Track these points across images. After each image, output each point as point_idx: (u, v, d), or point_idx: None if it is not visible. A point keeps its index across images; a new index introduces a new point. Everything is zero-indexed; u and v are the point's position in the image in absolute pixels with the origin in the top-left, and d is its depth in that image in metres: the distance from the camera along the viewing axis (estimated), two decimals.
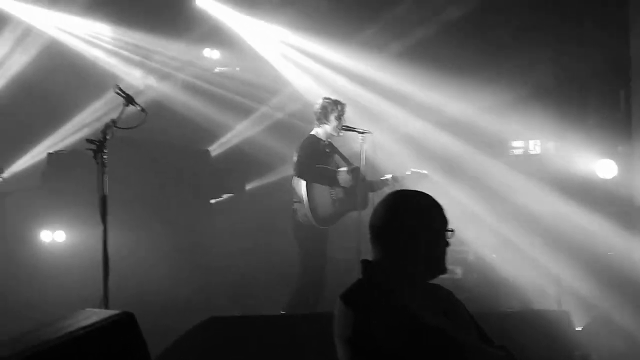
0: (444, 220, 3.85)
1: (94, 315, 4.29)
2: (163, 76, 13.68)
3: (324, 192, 8.91)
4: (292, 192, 8.98)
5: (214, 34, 13.80)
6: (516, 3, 12.66)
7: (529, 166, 11.57)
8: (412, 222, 3.75)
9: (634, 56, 11.04)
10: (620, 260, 10.44)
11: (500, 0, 12.57)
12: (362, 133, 8.70)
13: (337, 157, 9.37)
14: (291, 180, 9.05)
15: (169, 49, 13.41)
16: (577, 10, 11.86)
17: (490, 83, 12.18)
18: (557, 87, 12.08)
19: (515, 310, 9.61)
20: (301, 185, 8.83)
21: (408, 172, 9.47)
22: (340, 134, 9.10)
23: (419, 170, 9.54)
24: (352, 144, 9.70)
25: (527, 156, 12.02)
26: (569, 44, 11.79)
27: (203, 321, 6.80)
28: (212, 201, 11.90)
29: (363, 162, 8.69)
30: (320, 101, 9.17)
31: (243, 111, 13.82)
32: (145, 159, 10.91)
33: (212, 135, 13.59)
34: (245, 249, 11.64)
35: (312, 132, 9.15)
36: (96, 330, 4.06)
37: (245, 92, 13.86)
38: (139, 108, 7.03)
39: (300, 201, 8.82)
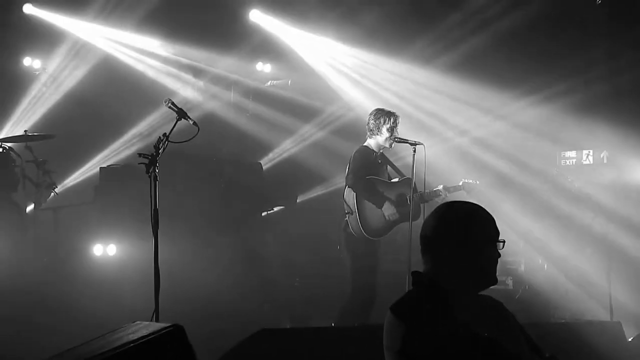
0: (494, 231, 3.82)
1: (144, 328, 4.32)
2: (215, 90, 13.73)
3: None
4: (344, 203, 8.98)
5: (267, 48, 13.88)
6: (569, 10, 12.56)
7: (581, 176, 11.45)
8: (463, 233, 3.73)
9: None
10: None
11: (552, 9, 12.46)
12: (414, 145, 8.69)
13: (389, 168, 9.37)
14: (343, 192, 9.05)
15: (222, 62, 13.49)
16: (631, 16, 11.74)
17: (543, 92, 12.10)
18: (611, 96, 11.96)
19: (567, 321, 9.53)
20: (352, 197, 8.83)
21: (460, 183, 9.44)
22: (392, 145, 9.09)
23: (470, 181, 9.50)
24: (404, 155, 9.72)
25: (579, 166, 11.91)
26: (626, 49, 11.66)
27: (254, 333, 6.80)
28: (264, 214, 11.93)
29: (414, 173, 8.69)
30: (373, 112, 9.16)
31: (294, 124, 13.84)
32: (197, 172, 10.96)
33: (264, 148, 13.63)
34: (296, 262, 11.63)
35: (365, 144, 9.14)
36: (146, 343, 4.09)
37: (297, 105, 13.89)
38: (191, 122, 7.08)
39: (352, 212, 8.82)
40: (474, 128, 12.92)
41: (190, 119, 7.08)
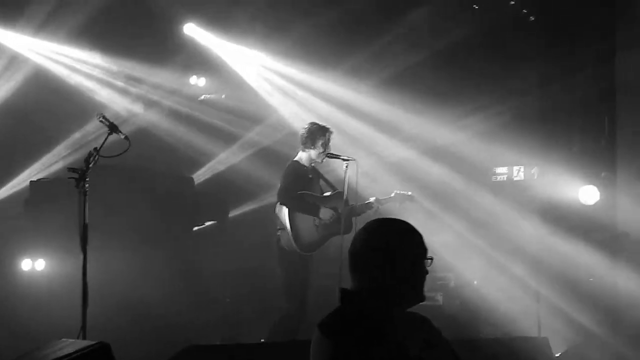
0: (422, 248, 3.82)
1: (69, 345, 4.29)
2: (149, 103, 13.65)
3: (307, 218, 8.93)
4: (276, 218, 8.99)
5: (201, 62, 13.84)
6: (503, 31, 12.73)
7: (513, 192, 11.60)
8: (391, 250, 3.71)
9: (619, 83, 11.09)
10: (601, 287, 10.48)
11: (487, 29, 12.62)
12: (346, 160, 8.74)
13: (322, 182, 9.40)
14: (275, 207, 9.05)
15: (155, 76, 13.40)
16: (563, 37, 11.92)
17: (475, 110, 12.24)
18: (542, 113, 12.12)
19: (495, 337, 9.62)
20: (284, 212, 8.85)
21: (392, 194, 9.49)
22: (324, 160, 9.13)
23: (403, 192, 9.56)
24: (336, 169, 9.76)
25: (510, 182, 12.06)
26: (555, 70, 11.84)
27: (182, 350, 6.78)
28: (195, 229, 11.88)
29: (346, 188, 8.73)
30: (307, 126, 9.20)
31: (227, 139, 13.81)
32: (128, 186, 10.87)
33: (196, 162, 13.58)
34: (227, 277, 11.60)
35: (296, 158, 9.17)
36: None
37: (230, 120, 13.87)
38: (122, 136, 7.06)
39: (284, 228, 8.84)
40: (407, 144, 13.00)
41: (121, 133, 7.07)
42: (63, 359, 4.02)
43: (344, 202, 8.93)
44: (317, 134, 9.06)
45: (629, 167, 10.71)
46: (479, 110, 12.25)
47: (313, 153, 9.08)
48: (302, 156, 9.16)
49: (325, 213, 8.95)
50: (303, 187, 9.00)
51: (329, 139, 9.09)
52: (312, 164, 9.22)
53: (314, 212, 8.91)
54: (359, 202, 9.26)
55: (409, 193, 9.63)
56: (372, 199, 9.39)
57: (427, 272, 3.83)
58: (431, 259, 3.83)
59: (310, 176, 9.18)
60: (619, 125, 11.19)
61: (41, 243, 9.99)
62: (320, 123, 9.28)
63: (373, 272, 3.72)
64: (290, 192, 8.85)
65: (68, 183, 6.88)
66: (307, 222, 8.91)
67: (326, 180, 9.50)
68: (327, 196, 9.20)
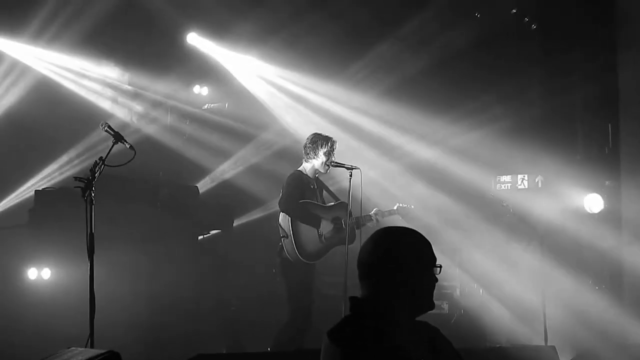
0: (431, 256, 3.84)
1: (79, 354, 4.29)
2: (153, 114, 13.66)
3: (310, 227, 8.92)
4: (279, 227, 8.99)
5: (204, 71, 13.87)
6: (504, 38, 12.76)
7: (516, 200, 11.59)
8: (400, 259, 3.73)
9: (622, 90, 11.10)
10: (607, 296, 10.48)
11: (490, 34, 12.65)
12: (350, 169, 8.75)
13: (325, 192, 9.41)
14: (278, 216, 9.06)
15: (159, 85, 13.43)
16: (566, 43, 11.94)
17: (478, 116, 12.25)
18: (545, 121, 12.13)
19: (502, 346, 9.62)
20: (287, 221, 8.84)
21: (394, 207, 9.50)
22: (328, 170, 9.15)
23: (405, 205, 9.57)
24: (340, 179, 9.78)
25: (514, 190, 12.05)
26: (557, 78, 11.86)
27: (190, 359, 6.78)
28: (200, 237, 11.89)
29: (350, 197, 8.74)
30: (310, 136, 9.22)
31: (231, 147, 13.83)
32: (133, 196, 10.89)
33: (201, 171, 13.59)
34: (233, 286, 11.61)
35: (299, 168, 9.19)
36: None
37: (234, 129, 13.89)
38: (127, 145, 7.06)
39: (287, 236, 8.82)
40: (410, 152, 13.02)
41: (126, 142, 7.07)
42: None
43: (348, 213, 8.95)
44: (320, 144, 9.08)
45: (633, 175, 10.71)
46: (481, 118, 12.25)
47: (316, 163, 9.10)
48: (306, 166, 9.18)
49: (326, 226, 8.97)
50: (305, 196, 9.00)
51: (332, 149, 9.09)
52: (317, 175, 9.25)
53: (315, 224, 8.93)
54: (363, 210, 9.27)
55: (412, 206, 9.63)
56: (374, 211, 9.40)
57: (436, 280, 3.85)
58: (440, 267, 3.84)
59: (312, 186, 9.19)
60: (623, 133, 11.19)
61: (47, 252, 9.98)
62: (322, 133, 9.29)
63: (380, 281, 3.75)
64: (291, 201, 8.85)
65: (73, 192, 6.91)
66: (310, 231, 8.89)
67: (329, 191, 9.51)
68: (330, 206, 9.20)
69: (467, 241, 11.47)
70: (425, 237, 3.90)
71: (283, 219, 8.95)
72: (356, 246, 7.16)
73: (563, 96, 11.75)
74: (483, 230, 11.57)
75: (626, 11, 11.06)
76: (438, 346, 3.89)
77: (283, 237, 8.90)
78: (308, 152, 9.13)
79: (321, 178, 9.40)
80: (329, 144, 9.09)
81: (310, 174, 9.16)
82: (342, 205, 9.16)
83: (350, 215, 8.92)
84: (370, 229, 8.95)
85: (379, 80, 12.92)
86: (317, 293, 9.34)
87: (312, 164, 9.13)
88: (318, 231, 8.92)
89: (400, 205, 9.58)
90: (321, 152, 9.04)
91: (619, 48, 11.04)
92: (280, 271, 9.08)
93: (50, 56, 12.47)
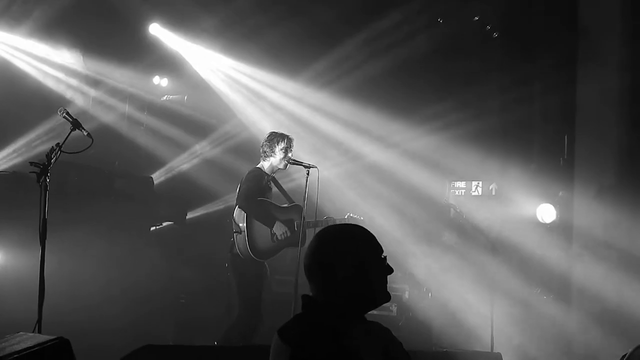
0: (372, 249, 3.84)
1: (28, 339, 4.27)
2: (110, 102, 13.60)
3: (264, 226, 8.95)
4: (232, 222, 9.00)
5: (164, 62, 13.82)
6: (466, 44, 12.83)
7: (470, 207, 11.65)
8: (340, 255, 3.74)
9: (580, 102, 11.18)
10: (555, 305, 10.58)
11: (450, 41, 12.71)
12: (308, 167, 8.79)
13: (279, 192, 9.46)
14: (233, 211, 9.07)
15: (118, 74, 13.37)
16: (528, 53, 12.03)
17: (436, 122, 12.31)
18: (502, 130, 12.22)
19: (448, 350, 9.67)
20: (243, 216, 8.86)
21: (345, 216, 9.54)
22: (287, 166, 9.19)
23: (355, 216, 9.61)
24: (296, 177, 9.82)
25: (468, 197, 12.12)
26: (515, 87, 11.95)
27: (137, 349, 6.76)
28: (152, 228, 11.86)
29: (307, 196, 8.77)
30: (267, 135, 9.26)
31: (188, 140, 13.81)
32: (87, 183, 10.83)
33: (157, 162, 13.56)
34: (183, 278, 11.59)
35: (258, 165, 9.21)
36: (31, 355, 4.03)
37: (192, 121, 13.87)
38: (85, 133, 7.02)
39: (240, 232, 8.84)
40: (367, 153, 13.07)
41: (84, 129, 7.03)
42: (22, 352, 3.99)
43: (302, 215, 9.02)
44: (277, 141, 9.13)
45: (586, 187, 10.82)
46: (439, 123, 12.32)
47: (274, 160, 9.14)
48: (264, 164, 9.21)
49: (279, 228, 9.01)
50: (262, 194, 9.05)
51: (289, 146, 9.15)
52: (274, 172, 9.29)
53: (270, 224, 8.95)
54: (318, 210, 9.30)
55: (361, 217, 9.67)
56: (324, 218, 9.48)
57: (388, 271, 3.85)
58: (385, 257, 3.85)
59: (268, 184, 9.25)
60: (578, 145, 11.29)
61: None
62: (279, 131, 9.35)
63: (324, 279, 3.75)
64: (250, 198, 8.87)
65: (26, 177, 6.85)
66: (264, 230, 8.92)
67: (283, 191, 9.55)
68: (285, 207, 9.26)
69: (419, 245, 11.51)
70: (369, 231, 3.92)
71: (238, 215, 8.97)
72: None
73: (522, 106, 11.83)
74: (435, 234, 11.64)
75: (587, 25, 11.16)
76: (389, 347, 3.90)
77: (236, 232, 8.91)
78: (265, 150, 9.17)
79: (277, 177, 9.44)
80: (286, 141, 9.13)
81: (268, 172, 9.19)
82: (297, 208, 9.21)
83: (304, 218, 8.98)
84: None
85: (338, 79, 12.93)
86: (269, 291, 9.36)
87: (270, 162, 9.16)
88: (271, 231, 8.95)
89: (351, 215, 9.62)
90: (277, 149, 9.08)
91: (579, 61, 11.13)
92: (231, 267, 9.11)
93: (9, 39, 12.36)
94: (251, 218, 8.87)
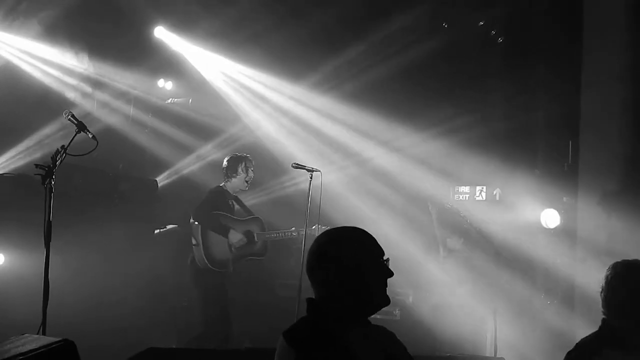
0: (371, 252, 3.85)
1: (33, 341, 4.27)
2: (115, 105, 13.59)
3: (221, 238, 9.22)
4: (191, 236, 9.24)
5: (169, 65, 13.82)
6: (469, 49, 12.82)
7: (474, 212, 11.63)
8: (338, 259, 3.76)
9: (584, 108, 11.16)
10: (559, 311, 10.56)
11: (454, 47, 12.70)
12: (311, 171, 8.83)
13: (242, 210, 9.90)
14: (191, 226, 9.29)
15: (123, 77, 13.37)
16: (532, 59, 12.01)
17: (441, 127, 12.29)
18: (506, 134, 12.19)
19: (451, 355, 9.66)
20: (198, 230, 9.30)
21: (313, 227, 9.55)
22: (247, 187, 9.75)
23: (324, 227, 9.61)
24: (301, 181, 9.88)
25: (472, 202, 12.10)
26: (520, 92, 11.93)
27: (140, 352, 6.78)
28: (156, 231, 11.87)
29: (310, 199, 8.81)
30: (227, 158, 9.77)
31: (193, 143, 13.80)
32: (92, 186, 10.85)
33: (161, 165, 13.55)
34: (186, 282, 11.58)
35: (221, 184, 9.59)
36: (36, 357, 4.03)
37: (196, 124, 13.86)
38: (90, 135, 7.03)
39: (197, 244, 9.19)
40: (371, 158, 13.05)
41: (89, 132, 7.04)
42: (27, 354, 3.99)
43: (261, 227, 9.61)
44: (236, 163, 9.67)
45: (590, 193, 10.79)
46: (443, 128, 12.30)
47: (236, 181, 9.67)
48: (227, 184, 9.71)
49: (234, 236, 9.32)
50: (220, 209, 9.50)
51: (249, 165, 9.68)
52: (237, 192, 9.79)
53: (224, 233, 9.35)
54: (321, 214, 9.34)
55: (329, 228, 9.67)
56: (292, 229, 9.60)
57: (388, 274, 3.85)
58: (387, 259, 3.86)
59: (230, 202, 9.70)
60: (582, 150, 11.26)
61: (1, 238, 9.91)
62: (238, 153, 9.87)
63: (324, 283, 3.79)
64: (203, 211, 9.36)
65: (31, 179, 6.85)
66: (221, 241, 9.37)
67: (246, 209, 9.98)
68: (244, 219, 9.68)
69: (422, 249, 11.50)
70: (368, 232, 3.93)
71: (195, 228, 9.42)
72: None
73: (526, 112, 11.81)
74: (439, 239, 11.62)
75: (593, 32, 11.14)
76: (393, 350, 3.91)
77: (194, 245, 9.27)
78: (227, 172, 9.71)
79: (240, 197, 9.97)
80: (244, 163, 9.67)
81: (230, 191, 9.68)
82: (257, 221, 9.75)
83: (263, 229, 9.63)
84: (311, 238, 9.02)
85: (343, 83, 12.92)
86: (272, 294, 9.48)
87: (232, 182, 9.68)
88: (228, 242, 9.12)
89: (320, 226, 9.58)
90: (239, 168, 9.64)
91: (583, 67, 11.10)
92: (192, 279, 9.54)
93: (14, 41, 12.36)
94: (206, 230, 9.28)
